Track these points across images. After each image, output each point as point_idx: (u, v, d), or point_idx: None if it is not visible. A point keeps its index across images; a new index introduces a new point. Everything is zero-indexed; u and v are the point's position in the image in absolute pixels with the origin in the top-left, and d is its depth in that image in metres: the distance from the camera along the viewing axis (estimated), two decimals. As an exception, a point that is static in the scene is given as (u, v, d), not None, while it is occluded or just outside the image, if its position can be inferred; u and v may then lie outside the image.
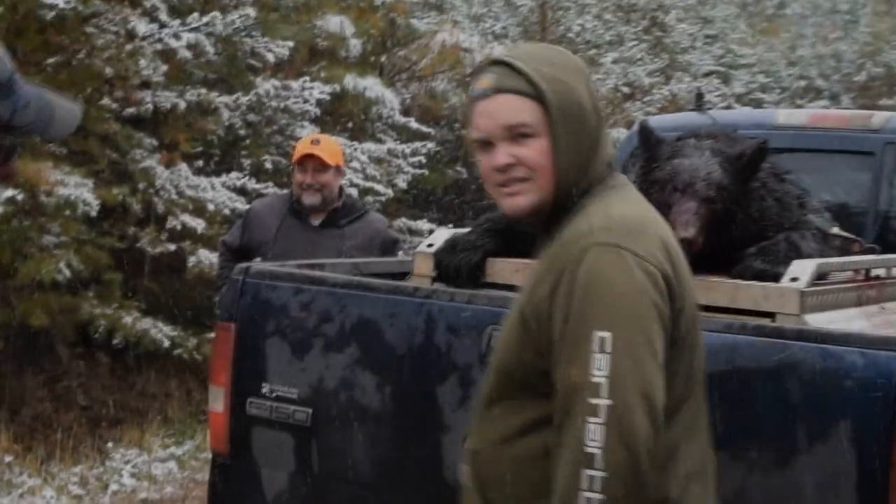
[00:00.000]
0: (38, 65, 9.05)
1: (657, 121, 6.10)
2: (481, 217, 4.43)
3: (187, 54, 9.99)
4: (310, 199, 6.22)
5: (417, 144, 12.85)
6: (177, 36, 9.87)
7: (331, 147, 6.40)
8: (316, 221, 6.27)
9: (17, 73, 2.76)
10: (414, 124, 13.51)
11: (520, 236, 4.28)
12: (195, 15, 9.97)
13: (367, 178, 11.94)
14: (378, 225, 6.43)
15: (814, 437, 3.38)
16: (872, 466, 3.30)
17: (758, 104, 20.28)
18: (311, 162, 6.19)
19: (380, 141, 12.85)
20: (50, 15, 8.67)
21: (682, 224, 3.79)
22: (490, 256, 4.18)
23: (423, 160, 13.08)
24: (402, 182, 12.68)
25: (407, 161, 12.70)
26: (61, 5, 8.62)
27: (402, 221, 12.94)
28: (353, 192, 11.53)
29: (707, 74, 19.86)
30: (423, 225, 12.84)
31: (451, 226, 11.07)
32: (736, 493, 3.44)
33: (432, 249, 4.26)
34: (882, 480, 3.28)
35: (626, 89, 16.54)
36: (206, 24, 9.96)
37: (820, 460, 3.36)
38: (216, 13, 10.05)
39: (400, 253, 6.37)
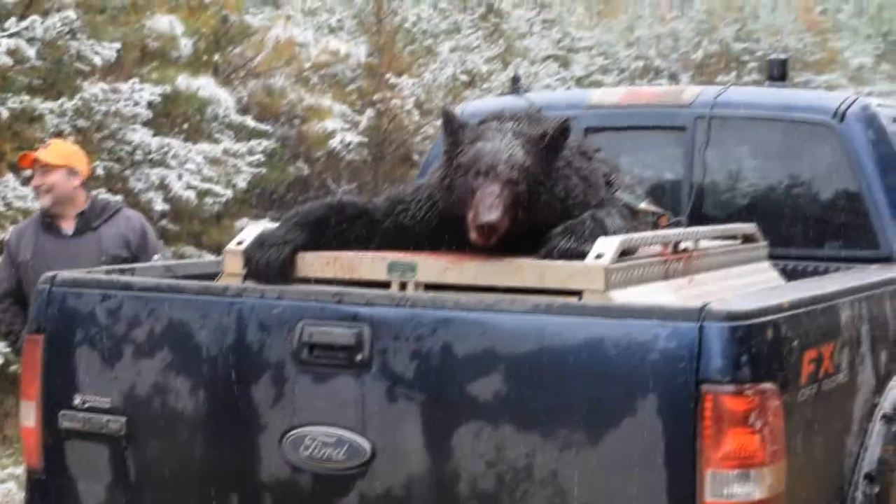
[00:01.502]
0: None
1: (475, 106, 6.11)
2: (291, 210, 4.39)
3: (7, 60, 9.70)
4: (41, 201, 6.18)
5: (254, 143, 12.71)
6: (-5, 42, 9.59)
7: (60, 148, 6.35)
8: (69, 230, 6.16)
9: None
10: (251, 122, 13.38)
11: (331, 228, 4.26)
12: (13, 20, 9.69)
13: (203, 179, 11.77)
14: (134, 221, 6.32)
15: (623, 413, 3.41)
16: (679, 437, 3.35)
17: (597, 87, 20.50)
18: (37, 165, 6.14)
19: (216, 141, 12.67)
20: None
21: (485, 208, 3.79)
22: (300, 251, 4.14)
23: (262, 158, 12.94)
24: (241, 182, 12.52)
25: (244, 160, 12.56)
26: None
27: (243, 222, 12.77)
28: (191, 194, 11.37)
29: (546, 58, 20.02)
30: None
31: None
32: (550, 474, 3.46)
33: (242, 247, 4.20)
34: (688, 450, 3.33)
35: (464, 77, 16.59)
36: (26, 29, 9.69)
37: (631, 436, 3.39)
38: (36, 17, 9.79)
39: (157, 245, 6.30)
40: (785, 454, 3.43)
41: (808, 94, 5.95)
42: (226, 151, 12.37)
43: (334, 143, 14.52)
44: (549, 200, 4.01)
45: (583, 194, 4.15)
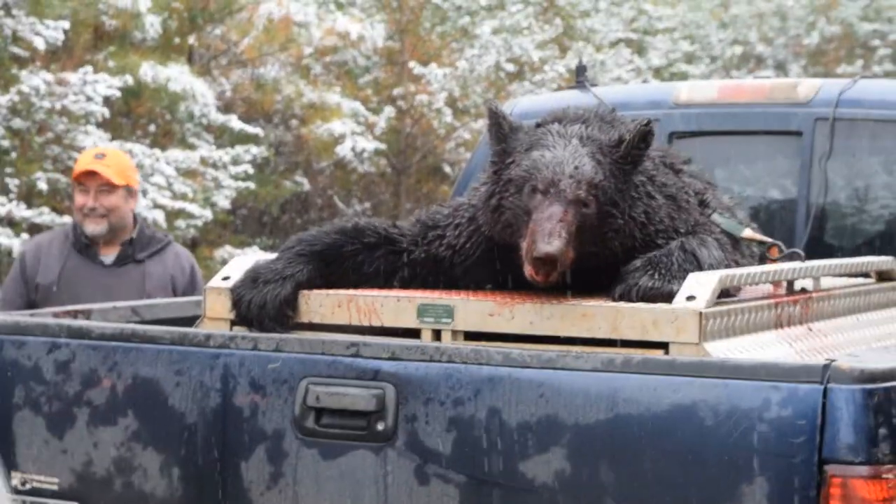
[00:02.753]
0: None
1: (529, 104, 6.13)
2: (292, 237, 4.41)
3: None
4: (93, 226, 6.29)
5: (240, 150, 12.79)
6: None
7: (119, 161, 6.49)
8: (108, 259, 6.32)
9: None
10: (237, 123, 13.46)
11: (344, 260, 4.28)
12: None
13: (175, 196, 11.86)
14: (182, 260, 6.46)
15: (722, 502, 3.39)
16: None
17: (682, 78, 20.55)
18: (94, 181, 6.25)
19: (191, 147, 12.76)
20: None
21: (544, 236, 3.78)
22: (303, 288, 4.16)
23: (250, 170, 13.02)
24: (223, 200, 12.60)
25: (228, 172, 12.64)
26: None
27: (225, 251, 12.85)
28: (158, 215, 11.44)
29: (615, 43, 20.07)
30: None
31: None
32: (627, 579, 3.46)
33: (229, 283, 4.22)
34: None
35: (510, 67, 16.63)
36: (-52, 4, 9.83)
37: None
38: (-41, -12, 9.94)
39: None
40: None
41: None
42: (204, 161, 12.45)
43: (343, 150, 14.60)
44: (625, 226, 4.01)
45: (669, 218, 4.15)
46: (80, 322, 4.35)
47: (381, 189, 17.09)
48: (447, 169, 17.17)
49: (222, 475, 3.88)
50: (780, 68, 24.72)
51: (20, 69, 10.99)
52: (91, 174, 6.26)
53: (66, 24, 11.14)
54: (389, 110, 15.78)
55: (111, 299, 5.60)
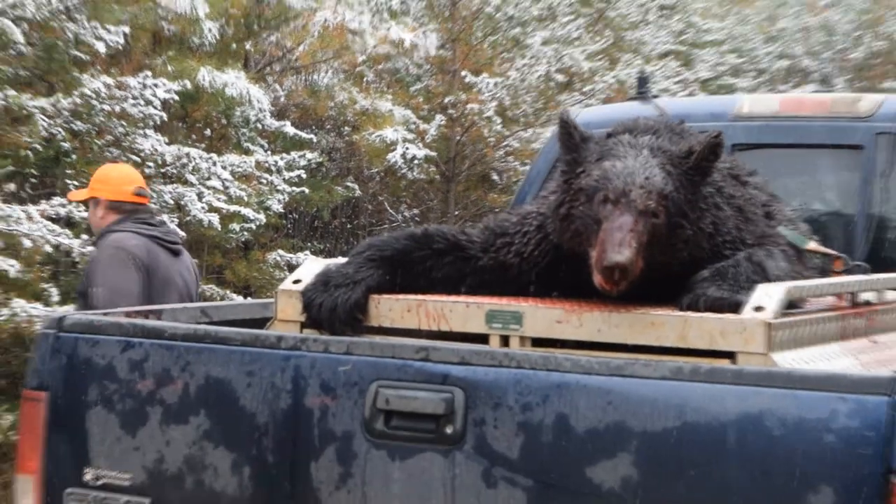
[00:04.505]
0: None
1: (590, 114, 6.14)
2: (362, 242, 4.43)
3: (-10, 46, 9.89)
4: None
5: (295, 155, 12.82)
6: (-25, 24, 9.77)
7: (92, 179, 7.08)
8: None
9: None
10: (290, 129, 13.50)
11: (413, 266, 4.30)
12: (-3, -4, 9.90)
13: (231, 200, 11.89)
14: (94, 250, 6.91)
15: (789, 509, 3.40)
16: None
17: (728, 91, 20.50)
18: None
19: (246, 152, 12.80)
20: None
21: (614, 245, 3.79)
22: (373, 293, 4.18)
23: (304, 175, 13.05)
24: (276, 204, 12.64)
25: (282, 177, 12.67)
26: None
27: (278, 255, 12.88)
28: (214, 218, 11.46)
29: (664, 56, 20.04)
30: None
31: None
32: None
33: (300, 286, 4.24)
34: (876, 560, 3.31)
35: (560, 77, 16.62)
36: (12, 7, 9.86)
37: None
38: (26, -8, 9.99)
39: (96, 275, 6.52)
40: None
41: None
42: (259, 165, 12.49)
43: (394, 157, 14.61)
44: (694, 237, 4.02)
45: (736, 229, 4.16)
46: (154, 322, 4.38)
47: (429, 196, 17.11)
48: (495, 177, 17.18)
49: (292, 475, 3.89)
50: (826, 83, 24.65)
51: (81, 73, 11.03)
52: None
53: (126, 29, 11.17)
54: (440, 118, 15.79)
55: None
